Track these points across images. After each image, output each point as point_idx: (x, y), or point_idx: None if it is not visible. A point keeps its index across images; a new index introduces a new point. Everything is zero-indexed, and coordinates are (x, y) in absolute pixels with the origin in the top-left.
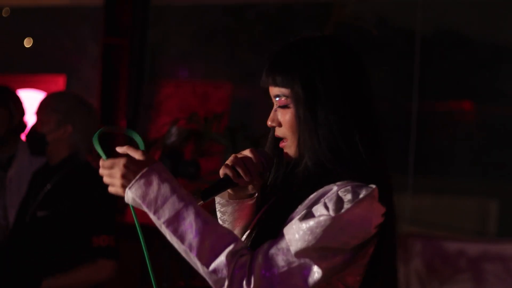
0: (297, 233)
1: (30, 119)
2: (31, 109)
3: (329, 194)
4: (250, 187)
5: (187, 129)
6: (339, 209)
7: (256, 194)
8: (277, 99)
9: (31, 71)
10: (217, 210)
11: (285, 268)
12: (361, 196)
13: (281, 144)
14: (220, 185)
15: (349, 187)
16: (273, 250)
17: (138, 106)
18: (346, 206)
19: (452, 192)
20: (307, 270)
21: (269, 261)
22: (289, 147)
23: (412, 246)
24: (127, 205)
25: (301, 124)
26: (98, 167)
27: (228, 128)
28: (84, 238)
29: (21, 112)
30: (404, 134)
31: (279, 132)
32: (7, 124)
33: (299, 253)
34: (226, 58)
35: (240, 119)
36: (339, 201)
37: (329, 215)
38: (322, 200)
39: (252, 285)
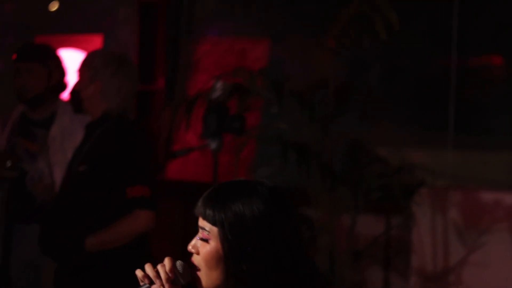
0: None
1: (71, 78)
2: (71, 68)
3: None
4: None
5: (232, 84)
6: None
7: None
8: (202, 231)
9: (69, 31)
10: None
11: None
12: None
13: (197, 272)
14: None
15: None
16: None
17: (175, 64)
18: None
19: (492, 148)
20: None
21: None
22: (202, 279)
23: (450, 198)
24: (167, 161)
25: (224, 261)
26: (134, 121)
27: (273, 81)
28: (120, 190)
29: (61, 70)
30: (444, 89)
31: (195, 259)
32: (46, 82)
33: None
34: (263, 14)
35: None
36: None
37: None
38: None
39: None
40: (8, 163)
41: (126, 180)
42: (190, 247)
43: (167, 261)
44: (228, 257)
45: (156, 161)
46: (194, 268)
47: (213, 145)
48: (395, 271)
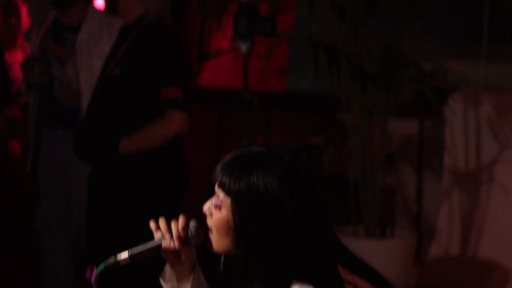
0: None
1: None
2: None
3: None
4: (183, 258)
5: None
6: None
7: (192, 277)
8: (216, 198)
9: None
10: None
11: None
12: None
13: (208, 233)
14: (149, 248)
15: None
16: None
17: None
18: None
19: None
20: None
21: None
22: (213, 241)
23: (483, 100)
24: (200, 64)
25: (234, 230)
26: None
27: None
28: (154, 92)
29: None
30: (478, 1)
31: (209, 222)
32: None
33: None
34: None
35: None
36: None
37: None
38: None
39: None
40: (38, 69)
41: (160, 81)
42: (204, 209)
43: (181, 219)
44: (238, 229)
45: (189, 64)
46: (207, 230)
47: (243, 47)
48: (428, 171)
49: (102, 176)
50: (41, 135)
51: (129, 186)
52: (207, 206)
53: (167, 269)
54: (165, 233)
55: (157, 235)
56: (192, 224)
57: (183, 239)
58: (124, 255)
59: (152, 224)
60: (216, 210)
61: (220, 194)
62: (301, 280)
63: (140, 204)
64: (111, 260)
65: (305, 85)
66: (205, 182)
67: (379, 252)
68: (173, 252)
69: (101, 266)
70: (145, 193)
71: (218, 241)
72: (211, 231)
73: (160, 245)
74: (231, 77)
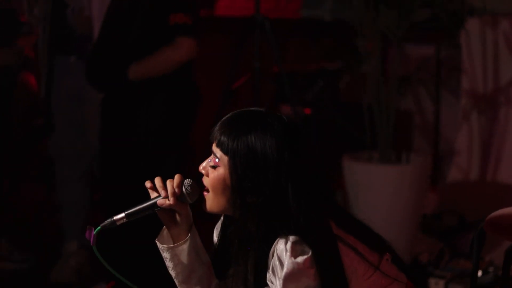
0: None
1: None
2: None
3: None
4: (178, 217)
5: None
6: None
7: (188, 237)
8: (213, 157)
9: None
10: (163, 258)
11: None
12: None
13: (204, 192)
14: (145, 206)
15: (284, 248)
16: None
17: None
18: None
19: None
20: None
21: None
22: (208, 200)
23: (500, 24)
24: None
25: (231, 189)
26: None
27: None
28: (164, 17)
29: None
30: None
31: (204, 181)
32: None
33: None
34: None
35: None
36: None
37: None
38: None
39: None
40: None
41: (170, 8)
42: (201, 168)
43: (176, 177)
44: (234, 188)
45: None
46: (202, 189)
47: None
48: (446, 94)
49: (114, 102)
50: (53, 63)
51: (141, 111)
52: (203, 165)
53: (164, 231)
54: (160, 190)
55: (152, 195)
56: (187, 182)
57: (178, 196)
58: (120, 215)
59: (147, 184)
60: (213, 169)
61: (218, 152)
62: (286, 234)
63: (152, 129)
64: (107, 221)
65: (320, 13)
66: (215, 110)
67: (394, 177)
68: (168, 211)
69: (98, 228)
70: (157, 117)
71: (213, 200)
72: (207, 190)
73: (155, 203)
74: (246, 5)
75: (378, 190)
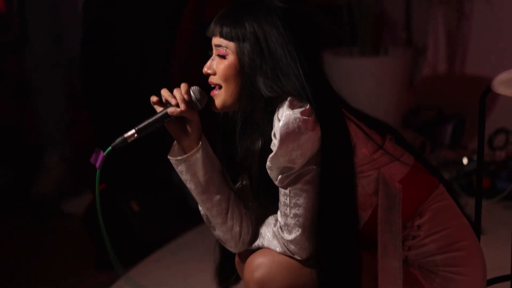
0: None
1: None
2: None
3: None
4: (189, 127)
5: None
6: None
7: (200, 146)
8: (218, 48)
9: None
10: (178, 173)
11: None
12: (284, 120)
13: (212, 93)
14: (155, 118)
15: (283, 107)
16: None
17: None
18: (276, 137)
19: None
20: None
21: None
22: (220, 96)
23: None
24: None
25: (241, 73)
26: None
27: None
28: None
29: None
30: None
31: (213, 79)
32: None
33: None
34: None
35: None
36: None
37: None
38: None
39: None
40: None
41: None
42: (205, 69)
43: (183, 85)
44: (245, 69)
45: None
46: (210, 91)
47: None
48: None
49: (96, 5)
50: None
51: (124, 14)
52: (208, 65)
53: (175, 146)
54: (170, 98)
55: (158, 110)
56: (195, 88)
57: (188, 101)
58: (130, 131)
59: (153, 98)
60: (220, 61)
61: (223, 42)
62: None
63: (136, 32)
64: (118, 140)
65: None
66: (193, 15)
67: (375, 69)
68: (178, 122)
69: (109, 148)
70: (140, 20)
71: (226, 92)
72: (217, 88)
73: (166, 114)
74: None
75: (361, 84)
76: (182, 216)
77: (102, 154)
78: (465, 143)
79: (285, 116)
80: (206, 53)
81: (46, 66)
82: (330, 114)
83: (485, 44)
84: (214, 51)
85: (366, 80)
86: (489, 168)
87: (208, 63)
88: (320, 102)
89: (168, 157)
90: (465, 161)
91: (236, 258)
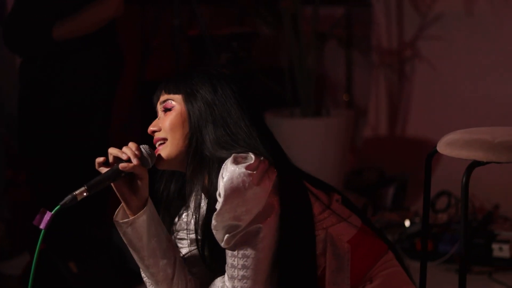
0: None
1: None
2: None
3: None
4: (139, 184)
5: None
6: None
7: (147, 207)
8: (165, 103)
9: None
10: (122, 236)
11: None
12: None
13: (157, 150)
14: (105, 175)
15: (227, 164)
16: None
17: None
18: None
19: None
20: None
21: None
22: (165, 148)
23: None
24: None
25: (188, 123)
26: None
27: None
28: None
29: None
30: None
31: (158, 135)
32: None
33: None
34: None
35: None
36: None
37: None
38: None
39: None
40: None
41: None
42: (150, 127)
43: (131, 143)
44: (191, 118)
45: None
46: (156, 149)
47: None
48: (358, 54)
49: (34, 66)
50: None
51: (62, 74)
52: (153, 124)
53: (119, 209)
54: (120, 154)
55: (103, 171)
56: (144, 146)
57: (139, 158)
58: (80, 189)
59: (98, 160)
60: (167, 114)
61: (169, 98)
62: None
63: (75, 92)
64: (67, 197)
65: None
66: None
67: (317, 130)
68: (127, 181)
69: (57, 207)
70: (79, 79)
71: (171, 143)
72: (163, 142)
73: (117, 169)
74: None
75: (303, 145)
76: (122, 278)
77: (49, 214)
78: (408, 205)
79: (229, 171)
80: (146, 114)
81: None
82: (285, 169)
83: (427, 105)
84: (160, 111)
85: (307, 141)
86: (431, 231)
87: (153, 123)
88: (274, 157)
89: (114, 220)
90: (407, 223)
91: None
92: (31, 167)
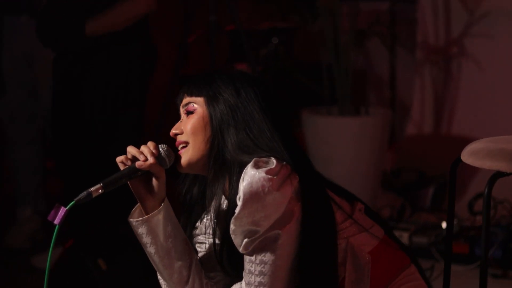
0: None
1: None
2: None
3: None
4: (155, 184)
5: None
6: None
7: (163, 207)
8: (187, 106)
9: None
10: (138, 237)
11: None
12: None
13: (180, 151)
14: (122, 173)
15: (247, 168)
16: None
17: None
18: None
19: None
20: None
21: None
22: (187, 152)
23: None
24: None
25: (210, 126)
26: None
27: None
28: None
29: None
30: None
31: (180, 138)
32: None
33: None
34: None
35: None
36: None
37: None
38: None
39: None
40: None
41: None
42: (172, 130)
43: (150, 142)
44: (213, 122)
45: None
46: (177, 151)
47: None
48: (401, 50)
49: (67, 61)
50: (2, 23)
51: (96, 69)
52: (175, 126)
53: (135, 210)
54: (137, 154)
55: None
56: (162, 145)
57: (157, 157)
58: (96, 186)
59: (119, 158)
60: (189, 117)
61: (191, 100)
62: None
63: (108, 87)
64: (82, 194)
65: None
66: (171, 67)
67: (354, 130)
68: (144, 180)
69: (72, 203)
70: (114, 75)
71: (193, 147)
72: (185, 145)
73: (134, 168)
74: None
75: (339, 144)
76: (151, 276)
77: (63, 210)
78: (446, 207)
79: (249, 175)
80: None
81: (21, 117)
82: (308, 175)
83: (472, 104)
84: (182, 114)
85: (344, 140)
86: (468, 234)
87: (176, 125)
88: (297, 163)
89: (128, 219)
90: (444, 225)
91: None
92: (64, 161)
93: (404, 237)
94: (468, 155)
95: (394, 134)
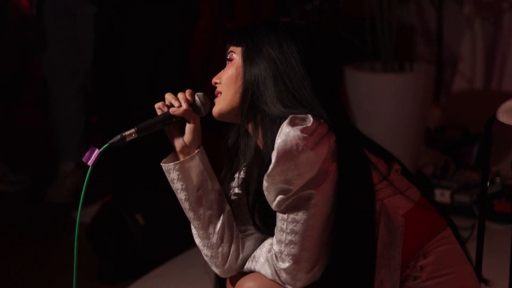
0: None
1: None
2: None
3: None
4: (189, 130)
5: None
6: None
7: (197, 153)
8: (228, 54)
9: None
10: (170, 183)
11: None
12: (283, 136)
13: (215, 100)
14: (157, 119)
15: (283, 125)
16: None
17: None
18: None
19: None
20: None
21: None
22: (218, 101)
23: None
24: None
25: (242, 78)
26: None
27: None
28: None
29: None
30: None
31: (218, 87)
32: None
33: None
34: None
35: None
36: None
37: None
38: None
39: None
40: None
41: None
42: (214, 79)
43: (188, 90)
44: (246, 73)
45: None
46: (213, 99)
47: None
48: (449, 2)
49: (107, 15)
50: None
51: (136, 23)
52: (217, 76)
53: (169, 156)
54: (173, 100)
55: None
56: (199, 93)
57: (191, 104)
58: (130, 130)
59: (157, 104)
60: (228, 66)
61: (231, 49)
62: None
63: (148, 43)
64: (116, 137)
65: None
66: (213, 24)
67: (397, 86)
68: (179, 127)
69: (106, 145)
70: (153, 29)
71: (223, 97)
72: (220, 94)
73: (168, 114)
74: None
75: (382, 100)
76: (188, 231)
77: (97, 151)
78: (490, 165)
79: (284, 133)
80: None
81: (63, 72)
82: (346, 134)
83: None
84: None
85: (386, 96)
86: (511, 193)
87: (218, 74)
88: (336, 121)
89: (161, 163)
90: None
91: (227, 279)
92: (105, 115)
93: (446, 195)
94: (502, 113)
95: (440, 91)
